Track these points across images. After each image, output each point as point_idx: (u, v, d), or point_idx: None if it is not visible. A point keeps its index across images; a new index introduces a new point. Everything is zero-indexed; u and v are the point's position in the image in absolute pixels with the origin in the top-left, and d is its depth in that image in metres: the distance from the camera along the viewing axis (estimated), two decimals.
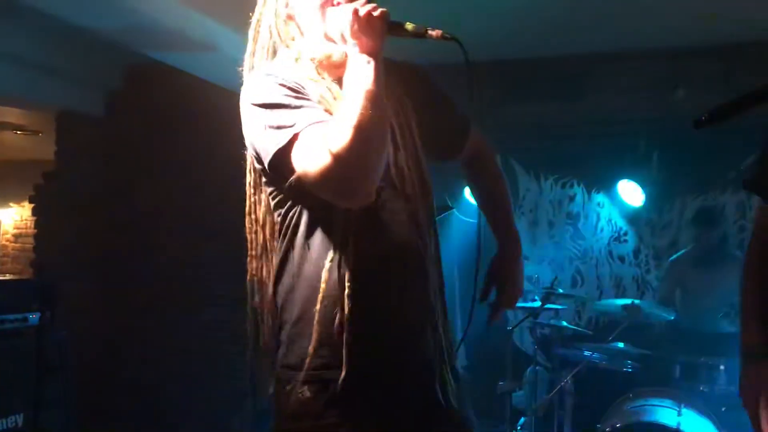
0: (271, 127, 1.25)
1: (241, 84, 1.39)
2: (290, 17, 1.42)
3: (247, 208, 1.46)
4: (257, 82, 1.32)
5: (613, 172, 4.63)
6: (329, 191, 1.23)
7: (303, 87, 1.32)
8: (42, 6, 3.52)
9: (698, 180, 4.70)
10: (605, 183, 4.86)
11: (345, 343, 1.25)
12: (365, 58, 1.26)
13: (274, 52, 1.45)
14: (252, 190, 1.45)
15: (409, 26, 1.32)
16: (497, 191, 1.72)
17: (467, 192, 4.53)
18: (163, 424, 4.81)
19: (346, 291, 1.25)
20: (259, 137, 1.28)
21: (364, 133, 1.17)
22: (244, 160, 1.45)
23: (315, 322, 1.27)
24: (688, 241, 4.55)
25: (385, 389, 1.29)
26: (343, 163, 1.16)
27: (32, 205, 5.35)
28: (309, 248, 1.32)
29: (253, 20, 1.46)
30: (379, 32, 1.27)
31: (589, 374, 3.86)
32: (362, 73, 1.24)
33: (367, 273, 1.28)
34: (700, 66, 4.28)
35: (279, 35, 1.43)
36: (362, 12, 1.26)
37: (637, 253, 4.91)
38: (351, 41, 1.27)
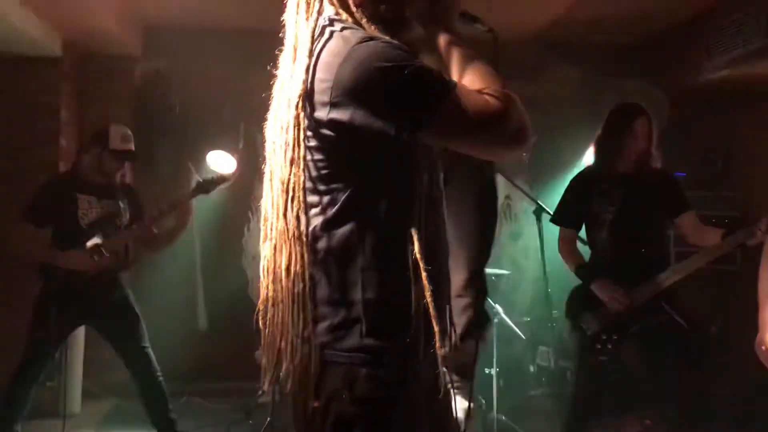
0: (420, 87, 1.25)
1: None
2: None
3: (286, 185, 1.35)
4: (377, 46, 1.28)
5: None
6: (505, 139, 1.29)
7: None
8: None
9: None
10: None
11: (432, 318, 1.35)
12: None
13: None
14: (293, 167, 1.34)
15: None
16: None
17: None
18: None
19: (425, 274, 1.32)
20: (406, 98, 1.26)
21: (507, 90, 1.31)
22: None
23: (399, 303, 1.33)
24: None
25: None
26: (517, 112, 1.27)
27: None
28: (381, 226, 1.34)
29: None
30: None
31: None
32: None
33: (433, 254, 1.38)
34: None
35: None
36: None
37: None
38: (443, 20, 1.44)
